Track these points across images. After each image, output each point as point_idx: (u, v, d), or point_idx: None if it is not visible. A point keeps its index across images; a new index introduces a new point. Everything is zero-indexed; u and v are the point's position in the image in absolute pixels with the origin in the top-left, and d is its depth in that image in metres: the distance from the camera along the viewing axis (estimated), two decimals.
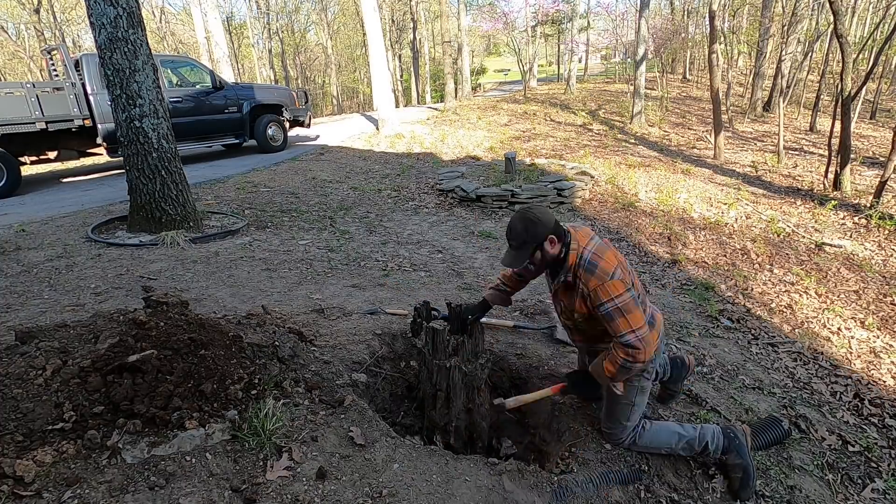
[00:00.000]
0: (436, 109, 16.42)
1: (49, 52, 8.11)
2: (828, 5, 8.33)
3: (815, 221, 6.28)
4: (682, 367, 2.35)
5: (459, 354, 2.18)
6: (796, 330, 3.82)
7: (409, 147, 10.67)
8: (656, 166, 8.68)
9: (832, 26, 8.15)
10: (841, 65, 7.09)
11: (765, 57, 14.81)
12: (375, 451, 1.88)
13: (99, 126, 7.26)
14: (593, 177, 7.42)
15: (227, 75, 12.68)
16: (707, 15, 10.32)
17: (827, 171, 7.73)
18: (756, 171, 8.67)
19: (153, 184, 4.72)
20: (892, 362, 3.50)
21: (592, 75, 26.29)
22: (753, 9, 18.71)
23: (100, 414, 1.68)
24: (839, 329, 3.95)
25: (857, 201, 6.76)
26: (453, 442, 2.24)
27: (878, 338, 3.86)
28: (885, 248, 5.50)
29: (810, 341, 3.58)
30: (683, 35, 17.54)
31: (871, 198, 6.53)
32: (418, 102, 26.68)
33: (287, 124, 10.00)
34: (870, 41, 11.37)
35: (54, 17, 19.97)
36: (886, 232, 5.81)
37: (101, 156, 8.03)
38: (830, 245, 5.54)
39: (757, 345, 3.40)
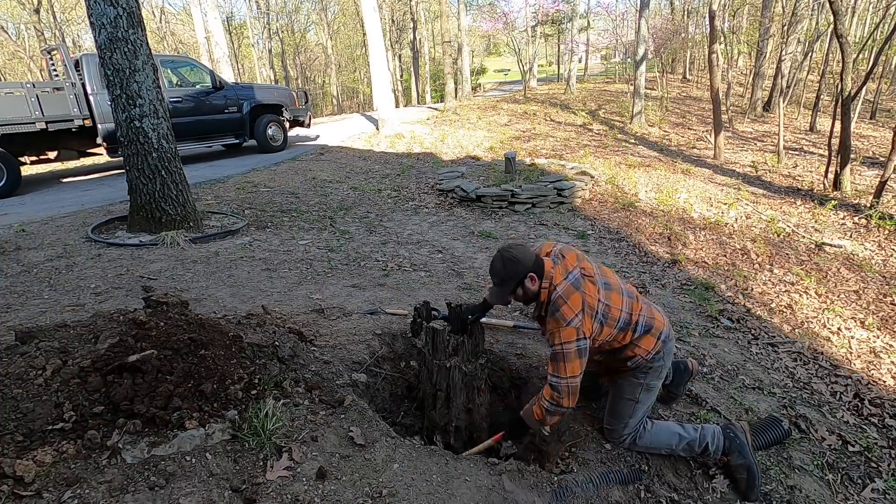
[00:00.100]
0: (436, 109, 16.43)
1: (49, 52, 8.11)
2: (828, 5, 8.33)
3: (815, 221, 6.28)
4: (684, 372, 2.36)
5: (459, 354, 2.18)
6: (796, 330, 3.82)
7: (409, 147, 10.67)
8: (656, 166, 8.68)
9: (832, 26, 8.15)
10: (841, 65, 7.09)
11: (765, 57, 14.81)
12: (375, 451, 1.88)
13: (99, 126, 7.26)
14: (593, 177, 7.42)
15: (227, 75, 12.69)
16: (707, 15, 10.32)
17: (827, 171, 7.73)
18: (756, 171, 8.67)
19: (153, 184, 4.72)
20: (892, 362, 3.49)
21: (592, 75, 26.29)
22: (753, 9, 18.71)
23: (100, 414, 1.68)
24: (839, 329, 3.95)
25: (857, 201, 6.76)
26: (453, 442, 2.24)
27: (878, 338, 3.86)
28: (885, 248, 5.50)
29: (810, 341, 3.58)
30: (683, 35, 17.55)
31: (871, 198, 6.53)
32: (418, 102, 26.68)
33: (287, 124, 10.00)
34: (870, 41, 11.37)
35: (54, 17, 19.97)
36: (886, 232, 5.81)
37: (101, 156, 8.03)
38: (830, 245, 5.54)
39: (757, 345, 3.40)
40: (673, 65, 22.21)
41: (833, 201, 6.55)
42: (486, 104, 16.78)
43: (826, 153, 8.01)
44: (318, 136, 11.99)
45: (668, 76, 18.55)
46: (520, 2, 21.26)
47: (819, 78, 12.72)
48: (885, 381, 3.22)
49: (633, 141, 11.28)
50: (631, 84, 13.96)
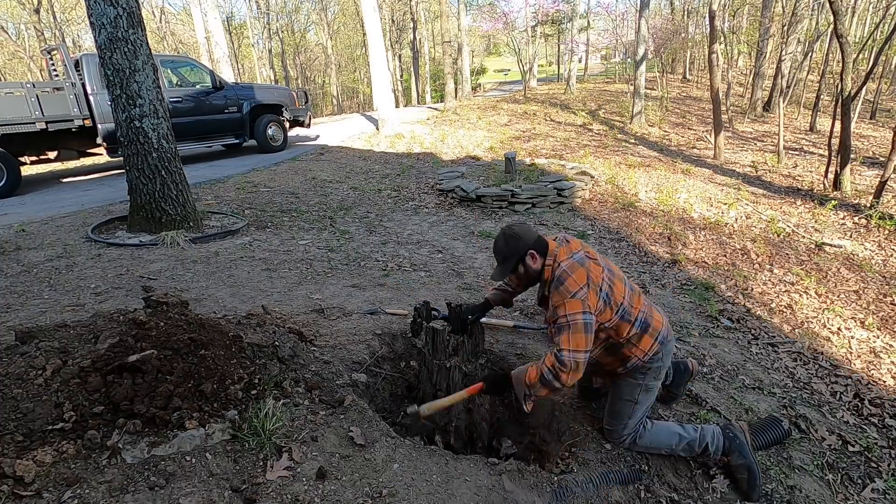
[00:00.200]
0: (436, 109, 16.43)
1: (49, 52, 8.11)
2: (828, 5, 8.33)
3: (815, 221, 6.28)
4: (684, 372, 2.36)
5: (459, 354, 2.18)
6: (796, 330, 3.82)
7: (409, 147, 10.67)
8: (656, 166, 8.68)
9: (832, 26, 8.15)
10: (841, 65, 7.09)
11: (765, 57, 14.81)
12: (375, 451, 1.88)
13: (99, 126, 7.26)
14: (593, 177, 7.42)
15: (227, 75, 12.69)
16: (707, 15, 10.32)
17: (827, 171, 7.73)
18: (756, 171, 8.67)
19: (153, 184, 4.72)
20: (892, 362, 3.50)
21: (592, 75, 26.29)
22: (753, 9, 18.71)
23: (100, 414, 1.68)
24: (839, 329, 3.95)
25: (857, 201, 6.76)
26: (453, 442, 2.24)
27: (878, 338, 3.86)
28: (885, 248, 5.50)
29: (810, 341, 3.58)
30: (683, 35, 17.55)
31: (871, 198, 6.53)
32: (418, 102, 26.68)
33: (287, 124, 10.00)
34: (870, 41, 11.37)
35: (54, 17, 19.97)
36: (886, 232, 5.81)
37: (101, 156, 8.03)
38: (830, 245, 5.54)
39: (757, 345, 3.40)
40: (673, 65, 22.21)
41: (833, 201, 6.55)
42: (486, 104, 16.78)
43: (826, 153, 8.01)
44: (318, 136, 11.99)
45: (668, 76, 18.55)
46: (520, 2, 21.28)
47: (819, 78, 12.72)
48: (885, 381, 3.22)
49: (633, 141, 11.28)
50: (631, 84, 13.96)
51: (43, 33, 18.92)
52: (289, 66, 32.49)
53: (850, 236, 5.83)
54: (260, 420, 1.81)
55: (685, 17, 21.10)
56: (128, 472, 1.56)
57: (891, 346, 3.72)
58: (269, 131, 9.56)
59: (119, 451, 1.60)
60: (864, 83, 7.78)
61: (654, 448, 2.08)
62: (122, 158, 4.92)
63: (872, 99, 14.28)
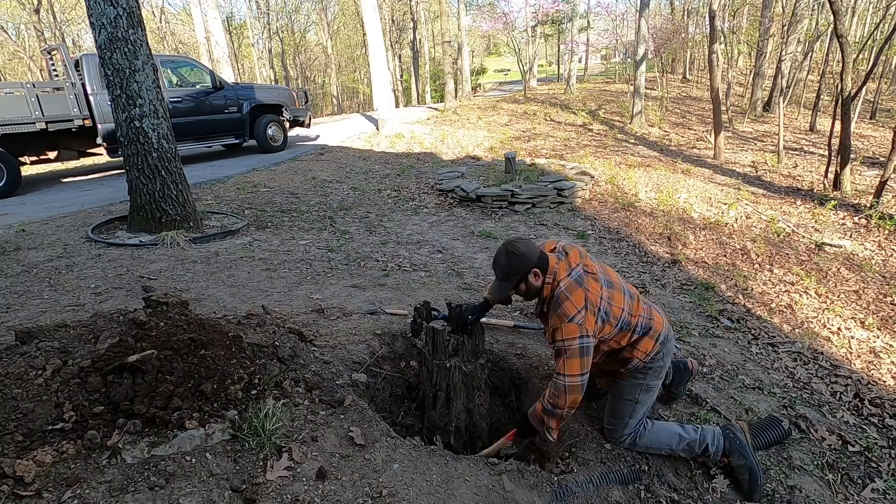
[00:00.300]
0: (436, 109, 16.42)
1: (49, 52, 8.11)
2: (828, 5, 8.32)
3: (815, 221, 6.28)
4: (684, 371, 2.36)
5: (459, 354, 2.18)
6: (796, 330, 3.82)
7: (409, 147, 10.67)
8: (656, 166, 8.68)
9: (832, 26, 8.15)
10: (841, 65, 7.08)
11: (765, 57, 14.81)
12: (375, 451, 1.88)
13: (99, 126, 7.26)
14: (593, 177, 7.42)
15: (227, 75, 12.69)
16: (707, 15, 10.32)
17: (827, 171, 7.73)
18: (756, 171, 8.67)
19: (153, 184, 4.72)
20: (892, 362, 3.50)
21: (592, 75, 26.29)
22: (753, 9, 18.71)
23: (100, 414, 1.68)
24: (839, 329, 3.95)
25: (857, 201, 6.76)
26: (453, 442, 2.24)
27: (878, 338, 3.86)
28: (885, 248, 5.50)
29: (810, 341, 3.58)
30: (683, 35, 17.53)
31: (871, 198, 6.53)
32: (418, 102, 26.68)
33: (287, 124, 10.00)
34: (870, 41, 11.37)
35: (54, 17, 19.97)
36: (886, 232, 5.81)
37: (101, 156, 8.03)
38: (830, 245, 5.54)
39: (757, 345, 3.40)
40: (673, 65, 22.20)
41: (833, 201, 6.55)
42: (486, 104, 16.78)
43: (826, 153, 8.01)
44: (318, 136, 11.99)
45: (668, 76, 18.55)
46: (520, 2, 21.28)
47: (819, 78, 12.72)
48: (885, 381, 3.22)
49: (633, 141, 11.28)
50: (631, 84, 13.96)
51: (43, 33, 18.92)
52: (289, 66, 32.50)
53: (850, 236, 5.83)
54: (260, 420, 1.80)
55: (685, 17, 21.09)
56: (128, 472, 1.56)
57: (891, 346, 3.72)
58: (269, 131, 9.56)
59: (119, 451, 1.60)
60: (864, 83, 7.78)
61: (655, 448, 2.08)
62: (122, 158, 4.92)
63: (872, 99, 14.28)
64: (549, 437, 1.99)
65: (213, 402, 1.81)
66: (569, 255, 1.97)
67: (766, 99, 14.95)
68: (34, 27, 18.94)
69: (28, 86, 6.92)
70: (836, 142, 7.28)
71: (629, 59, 17.99)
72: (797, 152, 10.10)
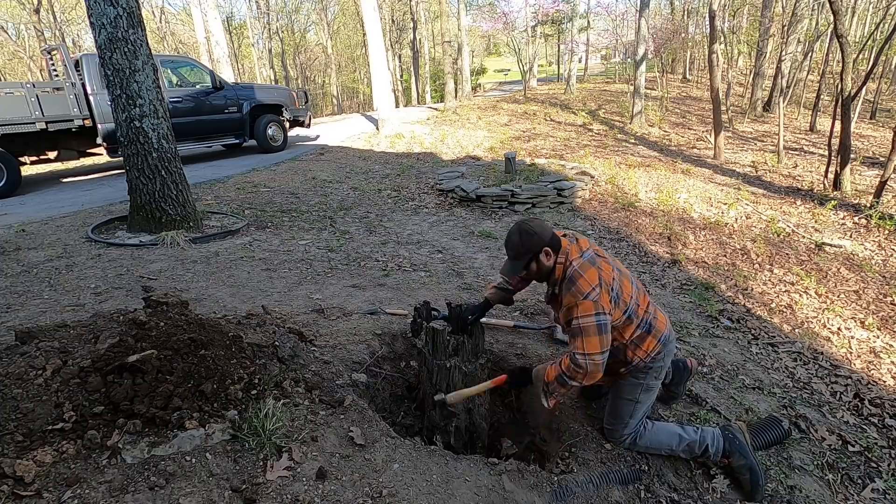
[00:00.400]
0: (436, 109, 16.42)
1: (49, 52, 8.11)
2: (828, 5, 8.33)
3: (815, 221, 6.28)
4: (684, 371, 2.36)
5: (459, 354, 2.18)
6: (796, 330, 3.82)
7: (409, 147, 10.67)
8: (656, 166, 8.68)
9: (832, 26, 8.15)
10: (841, 65, 7.09)
11: (765, 57, 14.81)
12: (375, 451, 1.88)
13: (99, 126, 7.26)
14: (593, 177, 7.42)
15: (227, 75, 12.69)
16: (707, 15, 10.32)
17: (827, 171, 7.73)
18: (756, 171, 8.67)
19: (153, 184, 4.72)
20: (892, 362, 3.50)
21: (592, 75, 26.29)
22: (753, 9, 18.71)
23: (100, 414, 1.68)
24: (839, 329, 3.95)
25: (857, 201, 6.76)
26: (453, 442, 2.24)
27: (878, 338, 3.86)
28: (885, 248, 5.50)
29: (810, 341, 3.58)
30: (683, 35, 17.54)
31: (871, 198, 6.53)
32: (418, 102, 26.68)
33: (287, 124, 10.00)
34: (870, 41, 11.37)
35: (54, 17, 19.98)
36: (886, 232, 5.81)
37: (101, 156, 8.03)
38: (830, 245, 5.54)
39: (757, 345, 3.40)
40: (673, 65, 22.21)
41: (833, 201, 6.55)
42: (486, 104, 16.78)
43: (826, 153, 8.01)
44: (318, 136, 11.99)
45: (668, 76, 18.55)
46: (520, 2, 21.27)
47: (819, 78, 12.72)
48: (885, 381, 3.22)
49: (633, 141, 11.28)
50: (631, 84, 13.96)
51: (43, 33, 18.92)
52: (289, 66, 32.51)
53: (850, 236, 5.83)
54: (260, 420, 1.80)
55: (685, 17, 21.10)
56: (128, 472, 1.56)
57: (891, 346, 3.73)
58: (269, 131, 9.56)
59: (119, 451, 1.60)
60: (864, 83, 7.79)
61: (655, 448, 2.08)
62: (122, 158, 4.92)
63: (872, 99, 14.28)
64: (545, 401, 1.97)
65: (213, 402, 1.81)
66: (579, 240, 1.98)
67: (766, 99, 14.95)
68: (34, 27, 18.94)
69: (28, 86, 6.92)
70: (836, 142, 7.28)
71: (629, 59, 17.98)
72: (797, 152, 10.10)
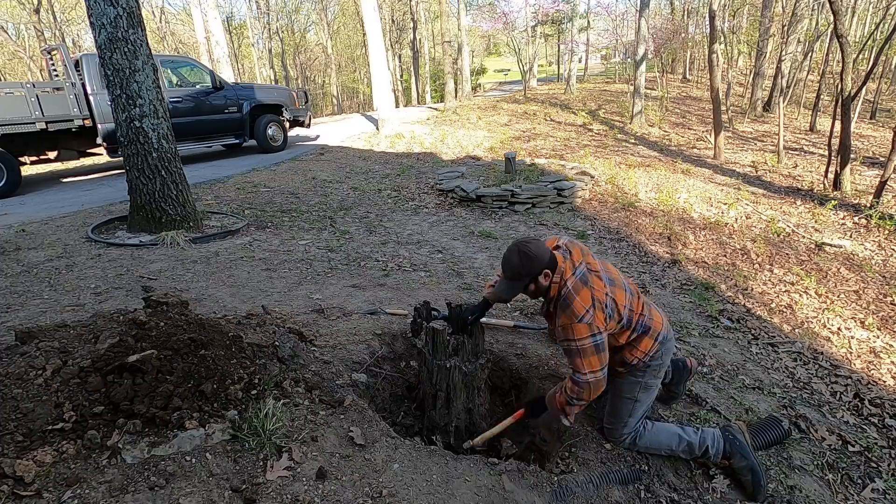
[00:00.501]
0: (436, 109, 16.42)
1: (49, 52, 8.11)
2: (828, 5, 8.33)
3: (815, 221, 6.28)
4: (683, 370, 2.36)
5: (459, 354, 2.18)
6: (796, 330, 3.82)
7: (409, 147, 10.67)
8: (656, 166, 8.68)
9: (832, 26, 8.15)
10: (841, 65, 7.09)
11: (765, 57, 14.81)
12: (375, 451, 1.88)
13: (99, 126, 7.25)
14: (593, 177, 7.42)
15: (227, 75, 12.68)
16: (707, 15, 10.32)
17: (827, 171, 7.73)
18: (756, 171, 8.67)
19: (153, 184, 4.72)
20: (892, 362, 3.50)
21: (592, 75, 26.29)
22: (753, 9, 18.72)
23: (100, 414, 1.68)
24: (839, 329, 3.95)
25: (857, 201, 6.76)
26: (453, 442, 2.24)
27: (878, 338, 3.86)
28: (885, 248, 5.50)
29: (810, 341, 3.58)
30: (683, 35, 17.53)
31: (871, 198, 6.53)
32: (418, 102, 26.68)
33: (287, 124, 10.00)
34: (870, 41, 11.37)
35: (54, 17, 19.97)
36: (886, 232, 5.81)
37: (101, 156, 8.03)
38: (830, 245, 5.54)
39: (757, 345, 3.40)
40: (673, 65, 22.21)
41: (833, 201, 6.55)
42: (486, 104, 16.78)
43: (826, 153, 8.01)
44: (318, 136, 11.99)
45: (668, 76, 18.55)
46: (520, 2, 21.26)
47: (819, 78, 12.72)
48: (885, 381, 3.22)
49: (633, 141, 11.28)
50: (631, 84, 13.96)
51: (43, 33, 18.92)
52: (289, 66, 32.51)
53: (850, 236, 5.83)
54: (260, 420, 1.81)
55: (685, 17, 21.09)
56: (128, 472, 1.56)
57: (891, 346, 3.73)
58: (269, 131, 9.56)
59: (119, 451, 1.60)
60: (864, 83, 7.78)
61: (655, 449, 2.08)
62: (122, 158, 4.92)
63: (872, 99, 14.28)
64: (565, 420, 2.02)
65: (213, 402, 1.81)
66: (572, 253, 1.98)
67: (766, 99, 14.95)
68: (34, 27, 18.94)
69: (28, 86, 6.92)
70: (836, 142, 7.28)
71: (629, 59, 17.98)
72: (797, 152, 10.10)
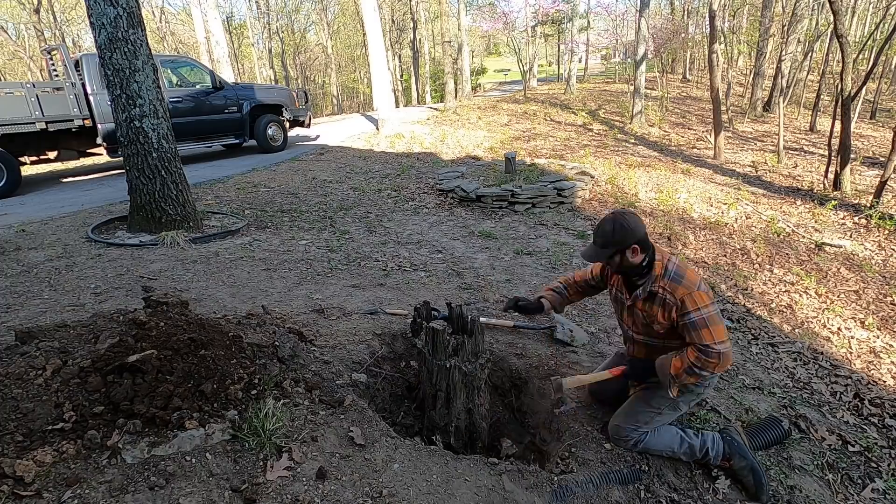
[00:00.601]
0: (436, 109, 16.42)
1: (49, 52, 8.11)
2: (828, 5, 8.33)
3: (815, 221, 6.28)
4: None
5: (459, 354, 2.18)
6: (796, 330, 3.83)
7: (409, 147, 10.67)
8: (656, 166, 8.68)
9: (832, 26, 8.15)
10: (841, 65, 7.09)
11: (765, 57, 14.81)
12: (375, 451, 1.88)
13: (99, 126, 7.25)
14: (593, 177, 7.42)
15: (227, 75, 12.68)
16: (707, 15, 10.32)
17: (827, 171, 7.73)
18: (756, 171, 8.67)
19: (153, 184, 4.72)
20: (892, 362, 3.50)
21: (592, 75, 26.29)
22: (753, 9, 18.72)
23: (100, 414, 1.68)
24: (839, 329, 3.95)
25: (857, 201, 6.76)
26: (453, 442, 2.24)
27: (878, 338, 3.86)
28: (885, 248, 5.50)
29: (810, 341, 3.58)
30: (683, 35, 17.53)
31: (871, 198, 6.53)
32: (418, 102, 26.69)
33: (287, 124, 10.00)
34: (870, 41, 11.37)
35: (54, 17, 19.98)
36: (886, 232, 5.81)
37: (101, 156, 8.03)
38: (830, 245, 5.54)
39: (757, 345, 3.40)
40: (673, 65, 22.20)
41: (833, 201, 6.55)
42: (486, 104, 16.78)
43: (826, 153, 8.01)
44: (318, 136, 11.99)
45: (668, 76, 18.55)
46: (520, 2, 21.26)
47: (819, 78, 12.72)
48: (885, 381, 3.22)
49: (633, 141, 11.28)
50: (631, 84, 13.96)
51: (43, 33, 18.92)
52: (289, 66, 32.51)
53: (850, 236, 5.84)
54: (260, 420, 1.80)
55: (685, 17, 21.09)
56: (128, 472, 1.56)
57: (891, 346, 3.73)
58: (269, 131, 9.56)
59: (119, 451, 1.60)
60: (864, 83, 7.79)
61: (657, 450, 2.08)
62: (122, 158, 4.92)
63: (872, 99, 14.28)
64: (669, 391, 1.97)
65: (213, 402, 1.81)
66: (659, 248, 2.01)
67: (766, 99, 14.95)
68: (34, 27, 18.94)
69: (28, 86, 6.92)
70: (836, 142, 7.29)
71: (629, 59, 17.98)
72: (797, 152, 10.10)
